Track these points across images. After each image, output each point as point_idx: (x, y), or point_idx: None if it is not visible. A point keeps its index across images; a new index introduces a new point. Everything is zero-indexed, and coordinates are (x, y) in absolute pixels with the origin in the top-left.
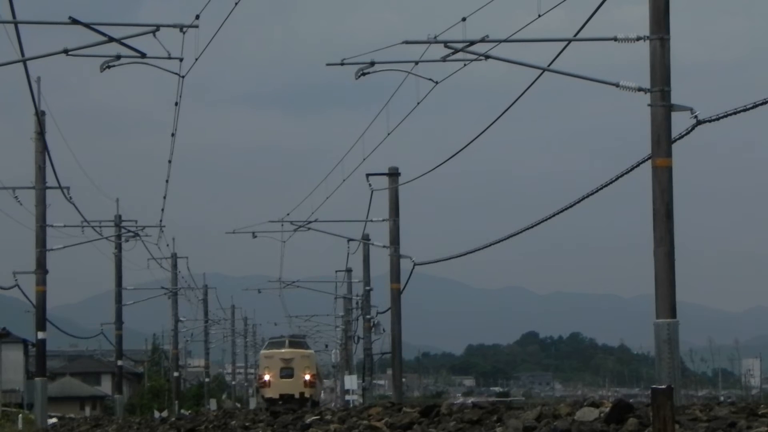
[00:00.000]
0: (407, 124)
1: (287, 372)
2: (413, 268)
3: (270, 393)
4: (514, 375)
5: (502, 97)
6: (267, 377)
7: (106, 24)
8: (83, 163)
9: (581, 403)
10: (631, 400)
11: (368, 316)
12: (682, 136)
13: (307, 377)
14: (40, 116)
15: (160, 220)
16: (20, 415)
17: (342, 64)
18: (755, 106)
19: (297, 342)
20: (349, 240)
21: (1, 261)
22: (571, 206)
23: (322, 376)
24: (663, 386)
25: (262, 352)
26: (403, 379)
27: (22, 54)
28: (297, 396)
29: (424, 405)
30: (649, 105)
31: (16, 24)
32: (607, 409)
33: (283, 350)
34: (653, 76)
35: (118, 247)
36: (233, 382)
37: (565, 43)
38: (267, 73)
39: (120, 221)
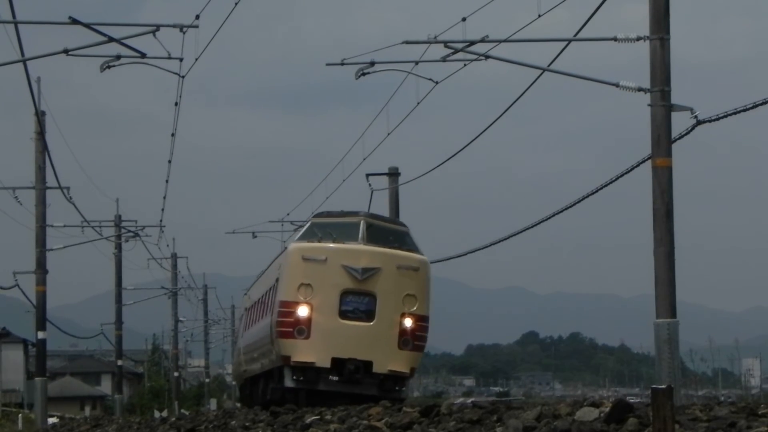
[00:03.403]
0: (407, 124)
1: (360, 303)
2: None
3: (306, 353)
4: (514, 375)
5: (502, 97)
6: (302, 311)
7: (106, 24)
8: (83, 163)
9: (581, 403)
10: (633, 399)
11: None
12: (682, 136)
13: (409, 323)
14: (40, 116)
15: (160, 220)
16: (20, 415)
17: (342, 64)
18: (755, 106)
19: (389, 230)
20: None
21: (1, 261)
22: (571, 206)
23: None
24: (663, 386)
25: (295, 246)
26: None
27: (22, 54)
28: (377, 370)
29: (424, 405)
30: (649, 105)
31: (16, 24)
32: (607, 409)
33: (354, 246)
34: (653, 76)
35: (118, 247)
36: (233, 383)
37: (565, 43)
38: (267, 73)
39: (120, 221)
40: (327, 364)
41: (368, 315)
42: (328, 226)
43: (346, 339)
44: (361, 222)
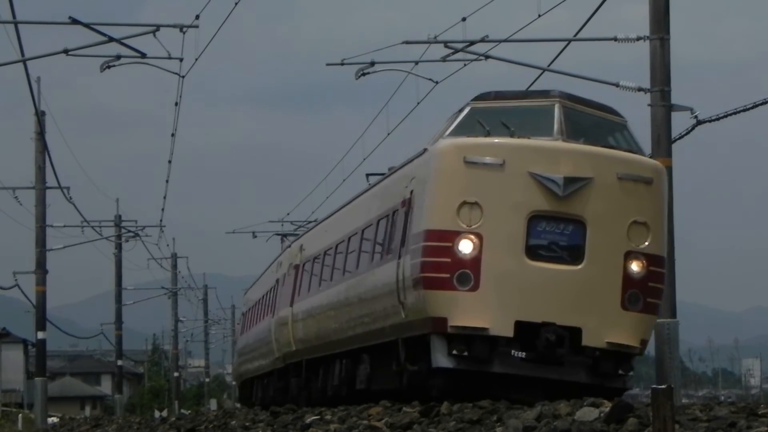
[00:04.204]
0: (407, 124)
1: (560, 236)
2: None
3: (473, 314)
4: None
5: None
6: (466, 246)
7: (106, 24)
8: (83, 163)
9: (581, 403)
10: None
11: None
12: (682, 136)
13: (637, 268)
14: (40, 116)
15: (160, 220)
16: (20, 415)
17: (342, 64)
18: (755, 106)
19: (600, 121)
20: None
21: (1, 261)
22: None
23: None
24: (663, 386)
25: (449, 143)
26: None
27: (22, 54)
28: (588, 343)
29: (424, 405)
30: (649, 105)
31: (16, 24)
32: (607, 409)
33: (548, 142)
34: (653, 76)
35: (118, 247)
36: (233, 383)
37: (565, 43)
38: (268, 73)
39: (120, 221)
40: (508, 333)
41: (573, 254)
42: (500, 113)
43: (538, 292)
44: (556, 105)
